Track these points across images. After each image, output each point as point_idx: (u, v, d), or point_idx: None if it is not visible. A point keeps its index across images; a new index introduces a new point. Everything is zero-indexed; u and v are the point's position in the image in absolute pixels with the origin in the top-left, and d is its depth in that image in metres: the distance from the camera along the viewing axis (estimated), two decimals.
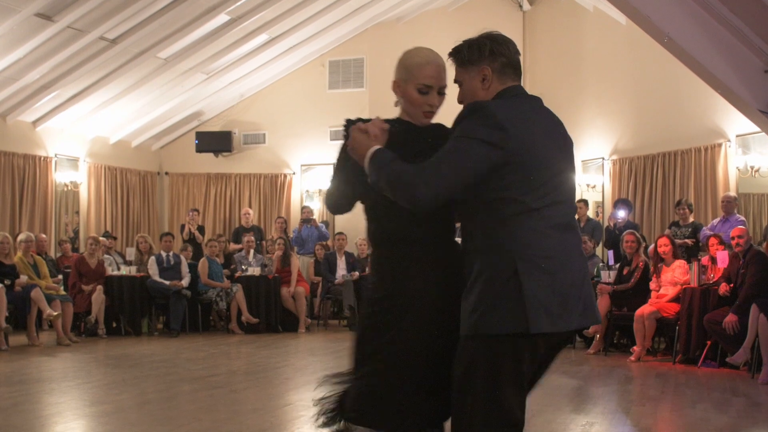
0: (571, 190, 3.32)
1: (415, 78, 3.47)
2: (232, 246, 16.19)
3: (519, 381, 3.17)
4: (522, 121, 3.19)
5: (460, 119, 3.27)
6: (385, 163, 3.21)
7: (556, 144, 3.29)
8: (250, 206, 18.05)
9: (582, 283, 3.20)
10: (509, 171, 3.12)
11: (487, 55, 3.34)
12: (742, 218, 12.17)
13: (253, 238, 15.18)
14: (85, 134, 17.11)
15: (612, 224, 13.74)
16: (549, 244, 3.14)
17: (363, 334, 3.54)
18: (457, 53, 3.41)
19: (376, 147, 3.28)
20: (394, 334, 3.39)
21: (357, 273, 14.83)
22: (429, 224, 3.40)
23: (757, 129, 12.64)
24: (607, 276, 11.66)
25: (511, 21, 17.67)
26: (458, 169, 3.10)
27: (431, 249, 3.43)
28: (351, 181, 3.51)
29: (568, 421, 6.68)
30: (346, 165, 3.50)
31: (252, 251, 14.91)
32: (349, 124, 3.47)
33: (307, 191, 18.44)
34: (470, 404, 3.17)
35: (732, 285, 9.79)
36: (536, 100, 3.37)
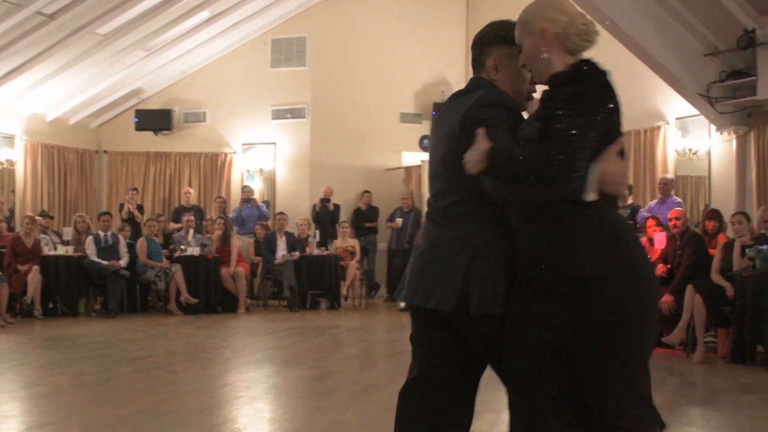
0: (436, 183, 3.39)
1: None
2: (172, 225, 16.01)
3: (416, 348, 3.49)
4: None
5: None
6: None
7: (435, 141, 3.44)
8: (190, 185, 17.84)
9: (416, 265, 3.39)
10: None
11: None
12: (679, 200, 12.33)
13: (192, 217, 15.03)
14: (21, 111, 16.73)
15: None
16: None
17: None
18: None
19: None
20: None
21: (297, 253, 14.76)
22: None
23: (696, 112, 12.82)
24: None
25: None
26: None
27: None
28: None
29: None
30: None
31: (192, 231, 14.76)
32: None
33: (248, 170, 18.26)
34: None
35: (669, 266, 9.91)
36: (458, 94, 3.42)
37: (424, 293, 3.28)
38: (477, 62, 3.40)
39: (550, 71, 3.12)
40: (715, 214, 10.51)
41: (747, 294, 8.57)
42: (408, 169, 18.05)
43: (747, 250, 9.01)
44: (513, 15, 3.30)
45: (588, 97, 3.00)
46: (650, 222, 10.85)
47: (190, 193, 16.80)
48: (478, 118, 3.13)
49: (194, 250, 14.29)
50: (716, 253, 9.50)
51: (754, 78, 12.05)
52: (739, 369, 8.50)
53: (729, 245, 9.37)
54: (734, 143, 13.01)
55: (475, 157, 3.03)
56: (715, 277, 9.24)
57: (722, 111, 12.51)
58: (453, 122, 3.25)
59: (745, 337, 8.68)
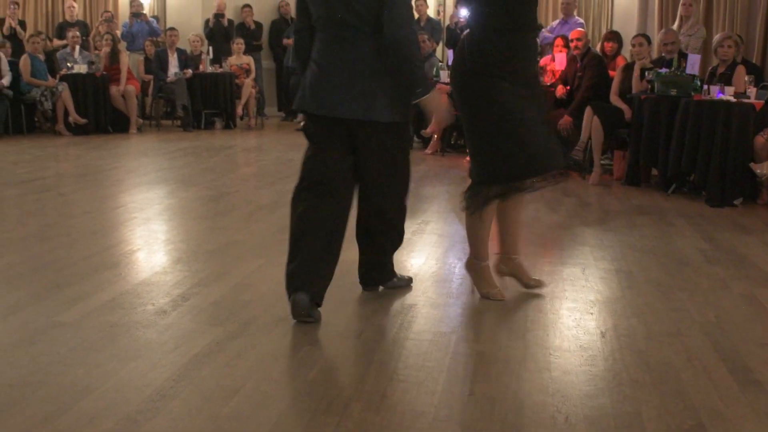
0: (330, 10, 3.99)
1: None
2: (56, 42, 15.26)
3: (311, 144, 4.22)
4: None
5: None
6: None
7: None
8: None
9: (324, 78, 4.04)
10: None
11: None
12: (581, 21, 12.24)
13: (78, 33, 14.31)
14: None
15: (454, 23, 13.63)
16: (317, 49, 4.12)
17: None
18: None
19: None
20: None
21: (190, 71, 14.30)
22: None
23: None
24: (446, 76, 11.59)
25: None
26: None
27: None
28: None
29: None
30: None
31: (78, 48, 14.09)
32: None
33: None
34: None
35: (568, 87, 9.90)
36: None
37: (363, 107, 4.00)
38: None
39: None
40: (613, 36, 10.47)
41: (644, 117, 8.62)
42: None
43: (646, 73, 9.03)
44: None
45: None
46: (558, 41, 10.79)
47: (74, 7, 15.93)
48: None
49: (81, 68, 13.68)
50: (615, 75, 9.50)
51: None
52: (633, 191, 8.64)
53: (629, 67, 9.37)
54: None
55: None
56: (614, 99, 9.26)
57: None
58: None
59: (640, 160, 8.80)
